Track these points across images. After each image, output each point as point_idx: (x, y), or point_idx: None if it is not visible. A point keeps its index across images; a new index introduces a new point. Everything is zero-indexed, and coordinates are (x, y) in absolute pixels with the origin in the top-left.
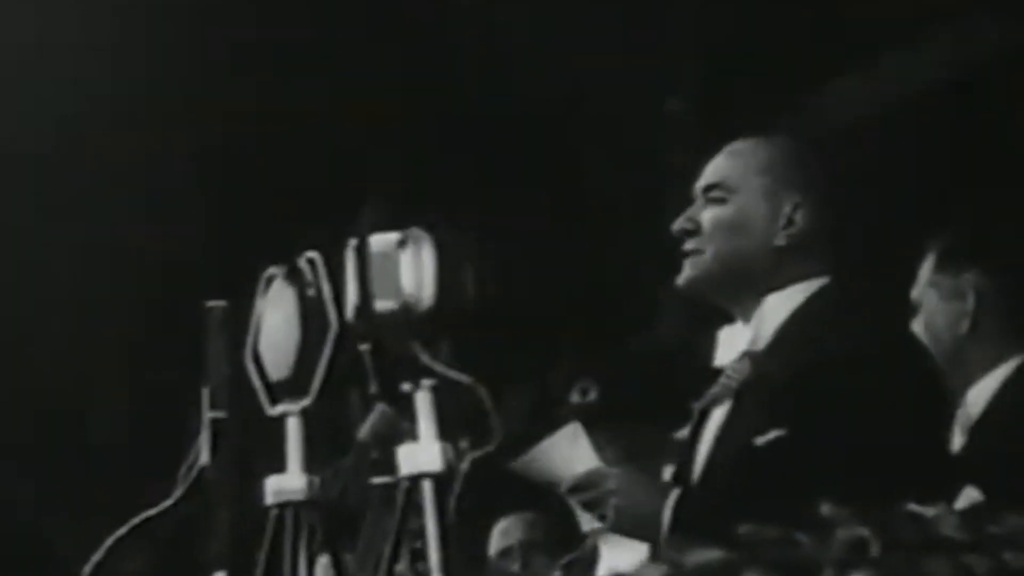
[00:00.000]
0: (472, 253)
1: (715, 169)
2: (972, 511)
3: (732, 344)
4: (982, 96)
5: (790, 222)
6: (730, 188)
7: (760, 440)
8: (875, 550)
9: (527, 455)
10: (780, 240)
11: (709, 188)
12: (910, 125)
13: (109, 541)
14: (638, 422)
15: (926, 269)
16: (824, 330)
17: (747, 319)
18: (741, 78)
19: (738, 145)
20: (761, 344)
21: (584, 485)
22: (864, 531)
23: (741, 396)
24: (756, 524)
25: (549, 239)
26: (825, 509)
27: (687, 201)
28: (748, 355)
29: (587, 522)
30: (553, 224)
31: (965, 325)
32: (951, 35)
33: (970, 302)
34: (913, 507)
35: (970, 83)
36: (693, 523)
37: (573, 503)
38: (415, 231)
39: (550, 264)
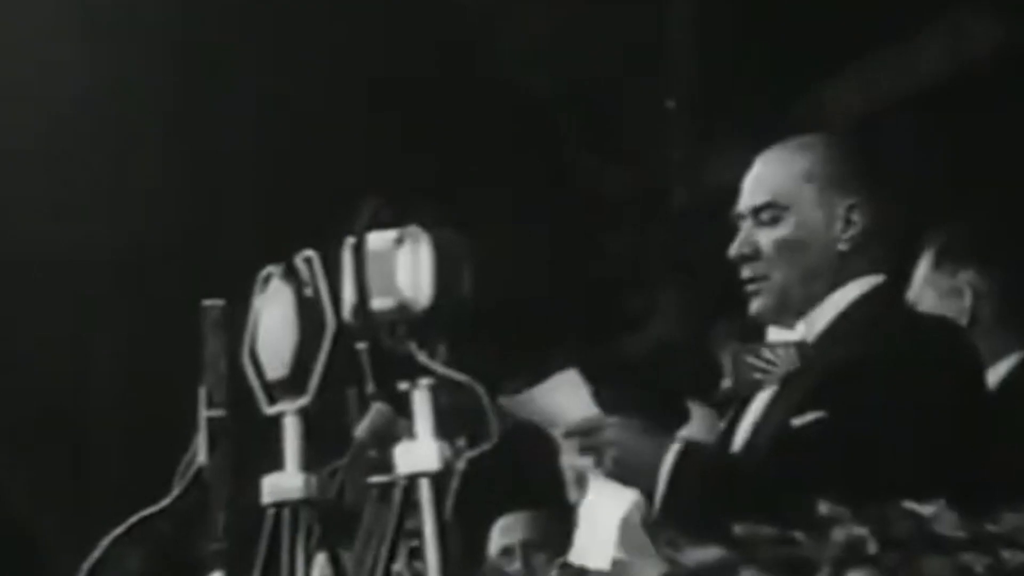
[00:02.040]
0: (469, 252)
1: (759, 186)
2: (969, 510)
3: (783, 334)
4: (979, 95)
5: (849, 223)
6: (782, 205)
7: (797, 421)
8: (872, 548)
9: (522, 394)
10: (843, 245)
11: (760, 209)
12: (908, 124)
13: (107, 540)
14: (635, 420)
15: (923, 267)
16: (874, 325)
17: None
18: (740, 78)
19: (774, 153)
20: (811, 336)
21: (583, 430)
22: (862, 529)
23: (786, 383)
24: (753, 519)
25: (546, 237)
26: (823, 508)
27: (687, 198)
28: (797, 345)
29: (575, 493)
30: (550, 223)
31: (963, 323)
32: (949, 34)
33: (967, 300)
34: (910, 505)
35: (968, 82)
36: (691, 479)
37: (567, 448)
38: (412, 230)
39: (547, 263)
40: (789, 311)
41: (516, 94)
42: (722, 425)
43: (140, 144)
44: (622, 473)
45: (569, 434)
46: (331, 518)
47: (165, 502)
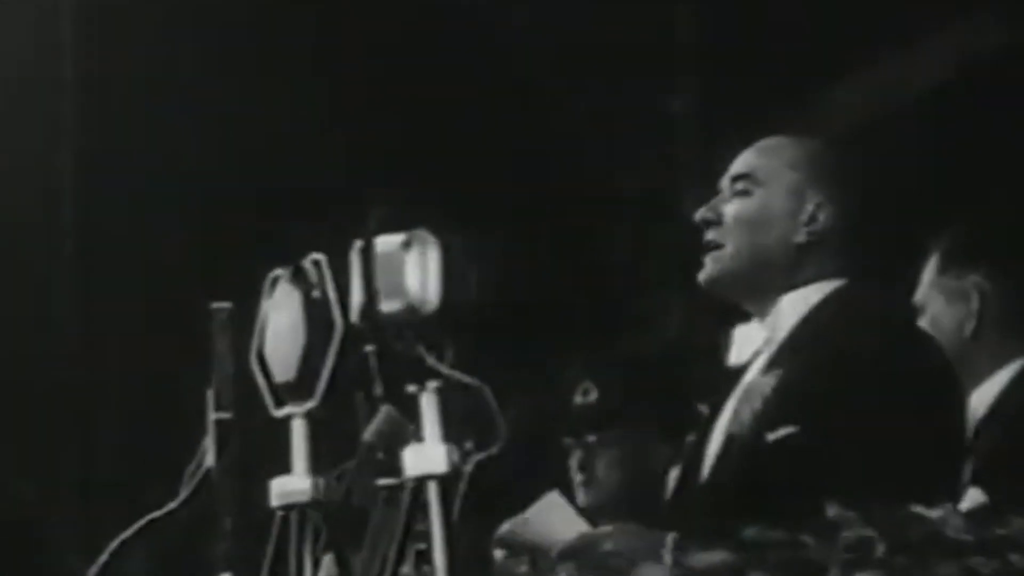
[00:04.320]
0: (477, 254)
1: (745, 161)
2: (977, 513)
3: (747, 343)
4: (986, 97)
5: (812, 219)
6: (758, 180)
7: (771, 437)
8: (881, 551)
9: (510, 526)
10: (800, 237)
11: (737, 179)
12: (913, 126)
13: (115, 543)
14: (641, 425)
15: (929, 271)
16: (837, 331)
17: (763, 318)
18: (745, 80)
19: (770, 141)
20: (775, 344)
21: (578, 549)
22: (870, 532)
23: (752, 396)
24: (762, 525)
25: (554, 240)
26: (831, 510)
27: (693, 200)
28: (761, 354)
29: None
30: (558, 225)
31: (970, 327)
32: (954, 35)
33: (974, 304)
34: (919, 508)
35: (974, 84)
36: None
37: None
38: (420, 232)
39: (555, 265)
40: (737, 288)
41: (520, 95)
42: (691, 438)
43: (145, 144)
44: None
45: (564, 556)
46: (339, 521)
47: (173, 505)
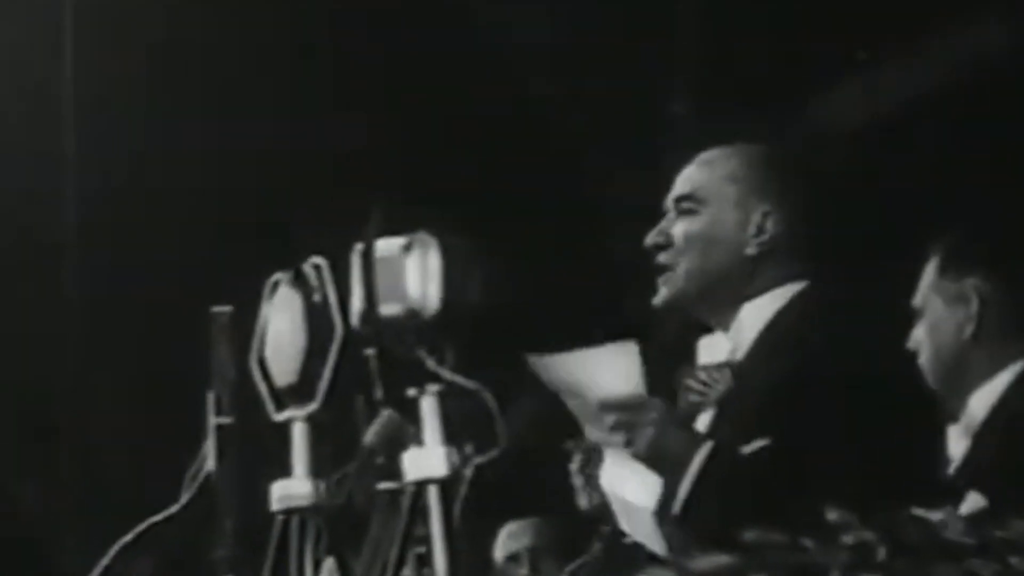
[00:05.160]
0: (478, 258)
1: (686, 180)
2: (977, 516)
3: (712, 353)
4: (986, 99)
5: (760, 230)
6: (700, 199)
7: (745, 450)
8: (881, 555)
9: (564, 355)
10: (751, 249)
11: (680, 200)
12: (913, 128)
13: (116, 547)
14: None
15: (929, 274)
16: (802, 335)
17: (725, 328)
18: (747, 83)
19: (708, 154)
20: (740, 353)
21: (623, 405)
22: (870, 536)
23: (723, 406)
24: (762, 529)
25: (556, 244)
26: (831, 514)
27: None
28: (728, 365)
29: (594, 433)
30: (557, 229)
31: (969, 330)
32: (955, 37)
33: (974, 307)
34: (919, 511)
35: (974, 86)
36: (716, 482)
37: (596, 415)
38: (421, 236)
39: (555, 268)
40: (694, 307)
41: (522, 99)
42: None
43: (145, 147)
44: (651, 459)
45: (607, 406)
46: (339, 524)
47: (174, 509)
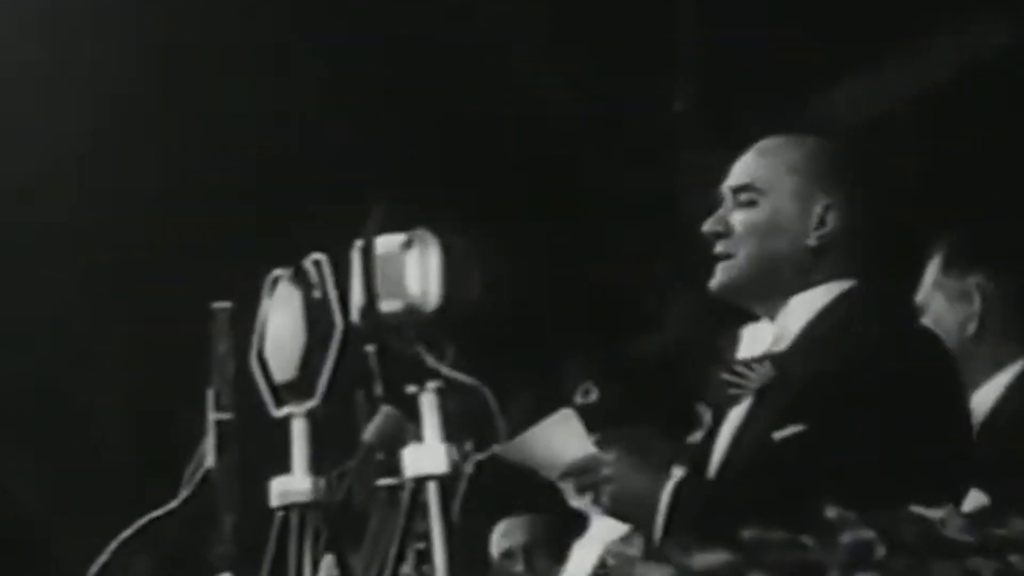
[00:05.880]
0: (477, 254)
1: (744, 169)
2: (978, 513)
3: (755, 342)
4: (988, 97)
5: (822, 222)
6: (760, 189)
7: (778, 435)
8: (880, 553)
9: (515, 440)
10: (812, 241)
11: (739, 190)
12: (915, 126)
13: (115, 543)
14: (642, 425)
15: (932, 271)
16: (847, 332)
17: (772, 318)
18: (749, 80)
19: (767, 143)
20: (784, 344)
21: (580, 469)
22: (870, 533)
23: (762, 395)
24: (761, 525)
25: (554, 240)
26: (830, 512)
27: (694, 201)
28: (770, 356)
29: (574, 499)
30: (559, 225)
31: (972, 327)
32: (957, 35)
33: (977, 304)
34: (918, 509)
35: (976, 83)
36: (690, 511)
37: (565, 487)
38: (421, 232)
39: (555, 265)
40: (750, 297)
41: (525, 96)
42: (699, 438)
43: (148, 145)
44: (620, 509)
45: (566, 474)
46: (339, 521)
47: (173, 505)
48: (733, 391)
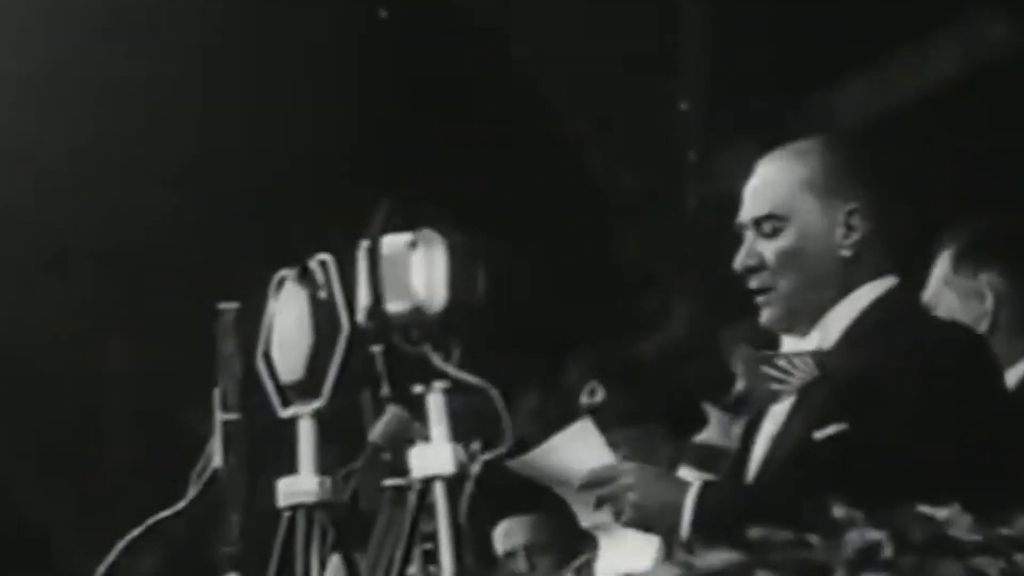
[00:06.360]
0: (483, 255)
1: (759, 198)
2: (983, 514)
3: (797, 341)
4: (997, 94)
5: (850, 229)
6: (782, 216)
7: (819, 434)
8: (887, 552)
9: (533, 452)
10: (846, 251)
11: (760, 221)
12: (925, 123)
13: (122, 542)
14: (649, 424)
15: (942, 269)
16: (892, 330)
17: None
18: (752, 80)
19: (771, 165)
20: (827, 344)
21: (600, 480)
22: (876, 533)
23: (804, 394)
24: (769, 527)
25: (559, 239)
26: (837, 511)
27: (699, 201)
28: (813, 354)
29: (586, 518)
30: (563, 225)
31: (984, 325)
32: (962, 34)
33: (989, 302)
34: (924, 509)
35: (985, 81)
36: (715, 517)
37: (582, 499)
38: (427, 233)
39: (560, 265)
40: (799, 320)
41: (529, 95)
42: (737, 433)
43: (153, 146)
44: (643, 517)
45: (585, 485)
46: (345, 521)
47: (180, 505)
48: (776, 387)
